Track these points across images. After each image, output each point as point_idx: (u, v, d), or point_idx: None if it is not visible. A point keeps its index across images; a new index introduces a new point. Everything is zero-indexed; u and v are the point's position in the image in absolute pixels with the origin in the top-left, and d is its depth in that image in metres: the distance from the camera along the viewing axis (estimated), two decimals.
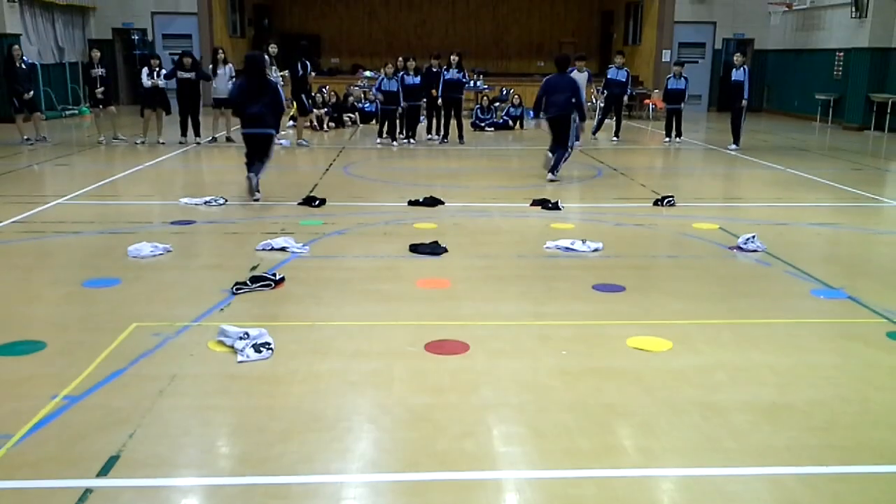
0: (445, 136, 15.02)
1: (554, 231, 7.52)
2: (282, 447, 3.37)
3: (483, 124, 17.92)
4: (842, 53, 19.14)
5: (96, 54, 14.16)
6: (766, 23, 22.52)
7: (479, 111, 18.16)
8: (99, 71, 13.99)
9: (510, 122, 18.24)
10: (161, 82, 13.81)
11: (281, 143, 14.26)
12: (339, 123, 17.59)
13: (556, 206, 8.66)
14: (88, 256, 6.57)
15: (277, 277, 5.70)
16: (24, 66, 13.62)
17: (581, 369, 4.25)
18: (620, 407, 3.80)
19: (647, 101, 21.07)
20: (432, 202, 8.79)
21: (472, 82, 18.86)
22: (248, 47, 24.13)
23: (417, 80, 14.49)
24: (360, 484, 3.13)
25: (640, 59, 23.51)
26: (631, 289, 5.73)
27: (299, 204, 8.68)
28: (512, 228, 7.83)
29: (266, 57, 13.97)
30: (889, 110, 17.17)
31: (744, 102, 14.07)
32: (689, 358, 4.43)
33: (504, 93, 20.13)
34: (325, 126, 16.88)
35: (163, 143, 13.85)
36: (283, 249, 6.62)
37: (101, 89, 13.93)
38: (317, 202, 8.68)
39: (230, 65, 14.54)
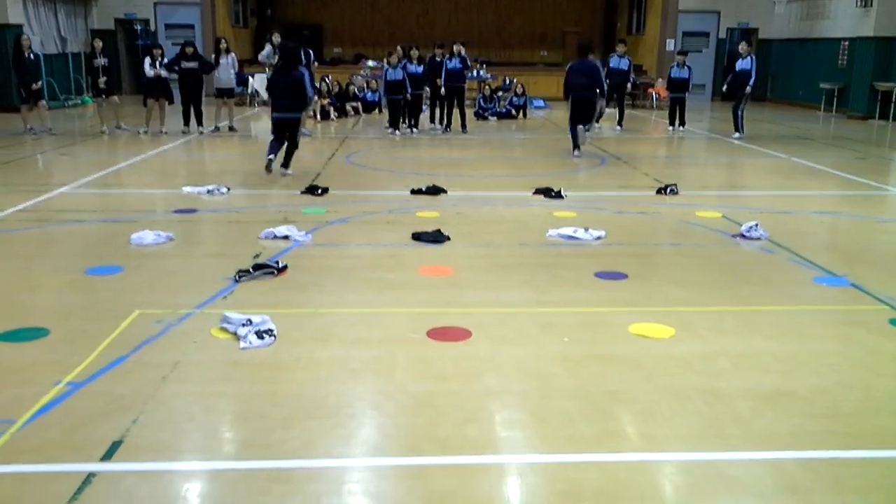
0: (448, 125, 15.00)
1: (557, 219, 7.52)
2: (284, 433, 3.38)
3: (486, 114, 17.89)
4: (846, 42, 19.06)
5: (99, 44, 14.16)
6: (771, 12, 22.44)
7: (481, 100, 18.12)
8: (101, 61, 13.99)
9: (513, 112, 18.21)
10: (163, 72, 13.79)
11: None
12: (342, 113, 17.58)
13: (558, 195, 8.65)
14: (91, 244, 6.58)
15: (280, 265, 5.70)
16: (32, 56, 13.59)
17: (583, 356, 4.25)
18: (623, 393, 3.80)
19: (650, 90, 21.02)
20: (435, 191, 8.79)
21: (475, 72, 18.81)
22: (250, 37, 24.14)
23: (420, 69, 14.46)
24: (363, 468, 3.14)
25: (643, 49, 23.44)
26: (633, 276, 5.73)
27: (302, 193, 8.68)
28: (515, 217, 7.82)
29: (270, 47, 14.02)
30: (894, 99, 17.11)
31: (747, 90, 14.01)
32: (691, 345, 4.43)
33: (507, 82, 20.08)
34: (331, 116, 16.87)
35: (165, 133, 13.85)
36: (285, 238, 6.62)
37: (103, 79, 13.93)
38: (320, 191, 8.68)
39: (232, 54, 14.53)
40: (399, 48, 15.14)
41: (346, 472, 3.11)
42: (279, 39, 14.21)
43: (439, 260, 6.11)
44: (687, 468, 3.18)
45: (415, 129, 14.82)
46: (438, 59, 14.63)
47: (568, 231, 6.89)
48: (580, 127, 11.84)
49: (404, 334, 4.52)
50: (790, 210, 8.18)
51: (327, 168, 10.61)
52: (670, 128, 15.49)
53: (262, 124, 16.09)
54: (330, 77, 18.00)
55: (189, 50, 13.83)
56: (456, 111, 14.88)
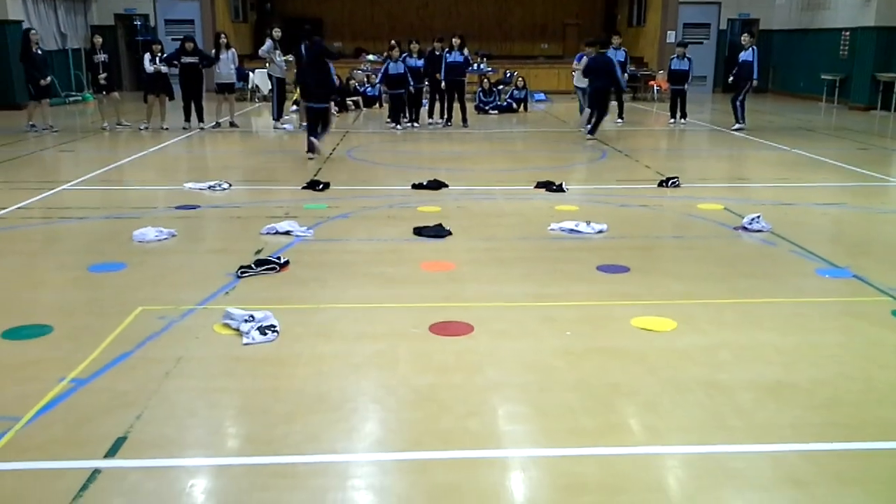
0: (449, 119, 14.98)
1: (558, 213, 7.52)
2: (287, 428, 3.40)
3: (487, 107, 17.86)
4: (848, 33, 19.00)
5: (98, 40, 14.15)
6: (772, 2, 22.37)
7: (481, 94, 18.09)
8: (101, 57, 13.97)
9: (514, 105, 18.18)
10: (163, 67, 13.78)
11: (285, 128, 14.27)
12: (343, 108, 17.55)
13: (560, 188, 8.65)
14: (94, 241, 6.59)
15: (282, 261, 5.71)
16: (40, 51, 13.55)
17: (585, 349, 4.26)
18: (624, 386, 3.81)
19: (651, 82, 20.97)
20: (436, 185, 8.79)
21: (475, 65, 18.77)
22: (250, 32, 24.12)
23: (421, 62, 14.43)
24: (366, 463, 3.16)
25: (644, 41, 23.39)
26: (635, 269, 5.73)
27: (303, 188, 8.68)
28: (516, 211, 7.82)
29: (271, 41, 14.01)
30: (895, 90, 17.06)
31: (753, 82, 13.97)
32: (693, 337, 4.44)
33: (507, 75, 20.04)
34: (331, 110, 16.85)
35: (166, 129, 13.85)
36: (287, 233, 6.63)
37: (103, 75, 13.91)
38: (321, 186, 8.68)
39: (233, 49, 14.51)
40: (393, 42, 15.07)
41: (350, 466, 3.13)
42: (279, 34, 14.22)
43: (441, 254, 6.11)
44: (689, 461, 3.19)
45: (416, 124, 14.79)
46: (437, 52, 14.60)
47: (569, 224, 6.89)
48: (584, 115, 13.34)
49: (406, 329, 4.53)
50: (792, 202, 8.17)
51: (328, 163, 10.61)
52: (671, 120, 15.46)
53: (262, 120, 16.10)
54: None
55: (189, 45, 13.81)
56: (456, 105, 14.85)
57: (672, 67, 15.16)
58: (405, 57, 14.37)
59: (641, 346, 4.31)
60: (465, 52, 14.79)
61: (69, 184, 9.00)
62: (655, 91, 20.63)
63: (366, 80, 18.64)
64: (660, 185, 8.97)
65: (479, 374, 3.95)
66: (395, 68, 14.09)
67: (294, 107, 17.02)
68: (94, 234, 6.89)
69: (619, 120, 15.67)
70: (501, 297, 5.11)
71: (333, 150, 11.85)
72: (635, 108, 19.18)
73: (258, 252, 6.07)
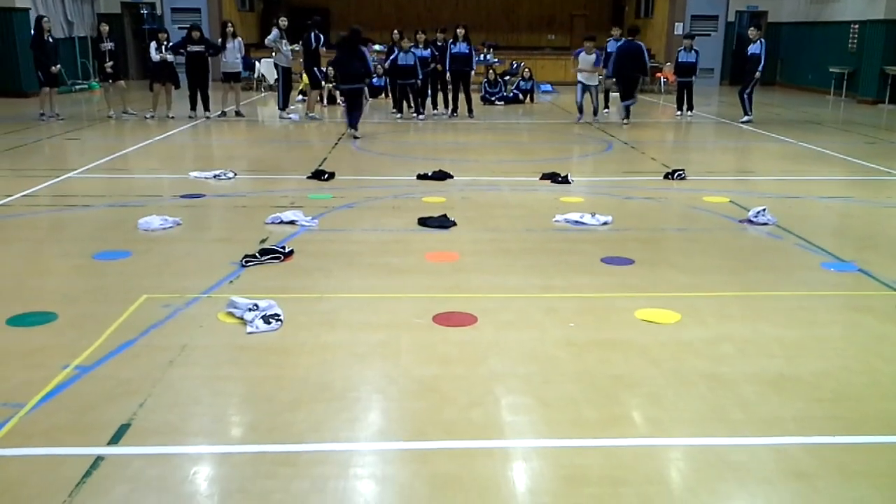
0: (454, 110, 14.94)
1: (563, 204, 7.50)
2: (291, 416, 3.40)
3: (493, 98, 17.81)
4: (857, 26, 18.88)
5: (105, 28, 14.13)
6: None
7: (487, 85, 18.03)
8: (108, 45, 13.96)
9: (520, 96, 18.13)
10: (169, 56, 13.77)
11: (290, 118, 14.26)
12: None
13: (565, 180, 8.63)
14: (99, 229, 6.60)
15: (286, 250, 5.71)
16: (51, 39, 13.52)
17: (588, 341, 4.26)
18: (627, 378, 3.81)
19: (658, 74, 20.88)
20: (441, 176, 8.77)
21: (481, 56, 18.71)
22: (256, 21, 24.09)
23: (427, 52, 14.37)
24: (369, 452, 3.16)
25: (652, 33, 23.28)
26: (640, 262, 5.72)
27: (308, 178, 8.68)
28: (521, 202, 7.81)
29: (277, 31, 13.99)
30: None
31: (757, 74, 13.91)
32: (697, 330, 4.43)
33: (514, 66, 19.98)
34: (337, 100, 16.83)
35: (172, 118, 13.85)
36: (292, 223, 6.63)
37: (110, 63, 13.90)
38: (326, 176, 8.68)
39: (239, 38, 14.49)
40: (396, 32, 15.01)
41: (352, 455, 3.13)
42: (286, 23, 14.18)
43: (445, 245, 6.11)
44: (692, 453, 3.19)
45: (421, 115, 14.74)
46: (440, 43, 14.54)
47: (574, 216, 6.88)
48: (624, 102, 14.00)
49: (410, 319, 4.53)
50: (798, 195, 8.14)
51: (333, 153, 10.60)
52: (678, 112, 15.41)
53: (268, 109, 16.09)
54: None
55: (196, 34, 13.80)
56: (462, 96, 14.81)
57: (679, 60, 15.10)
58: (411, 48, 14.31)
59: (645, 338, 4.31)
60: (472, 47, 14.71)
61: (75, 171, 9.01)
62: (662, 83, 20.55)
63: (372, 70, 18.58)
64: (665, 177, 8.94)
65: (483, 364, 3.95)
66: (405, 59, 14.01)
67: (300, 96, 17.01)
68: (99, 222, 6.90)
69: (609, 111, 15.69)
70: (505, 288, 5.11)
71: (339, 140, 11.84)
72: (642, 100, 19.08)
73: (263, 241, 6.07)
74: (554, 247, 6.17)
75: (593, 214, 6.88)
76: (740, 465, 3.06)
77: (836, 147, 11.42)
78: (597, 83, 14.08)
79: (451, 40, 14.38)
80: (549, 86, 20.66)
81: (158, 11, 21.86)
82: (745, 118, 14.21)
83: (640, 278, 5.37)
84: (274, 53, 14.64)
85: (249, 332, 4.28)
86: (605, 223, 6.78)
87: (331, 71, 16.50)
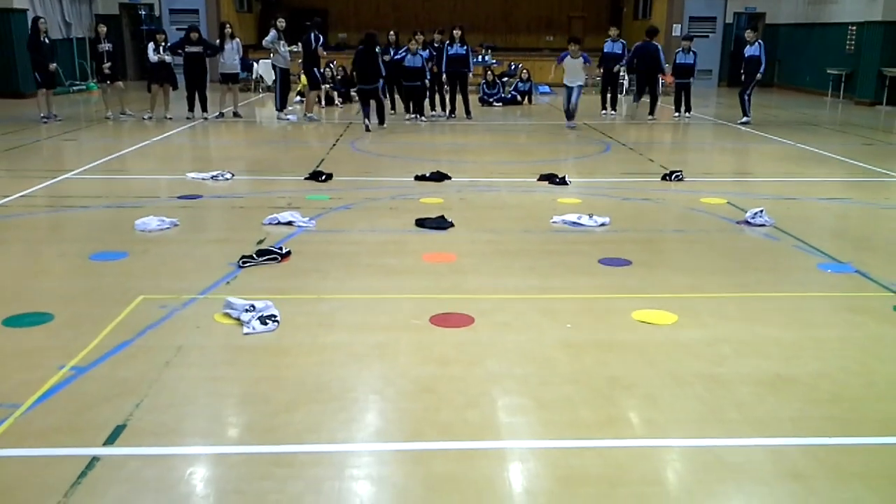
0: (452, 111, 14.93)
1: (561, 206, 7.50)
2: (287, 417, 3.40)
3: (491, 99, 17.81)
4: (854, 27, 18.90)
5: (103, 29, 14.11)
6: None
7: (485, 86, 18.03)
8: (106, 46, 13.94)
9: (518, 98, 18.13)
10: (167, 57, 13.77)
11: (288, 119, 14.26)
12: (347, 99, 17.53)
13: (563, 181, 8.63)
14: (96, 230, 6.59)
15: (284, 251, 5.71)
16: (48, 40, 13.49)
17: (585, 342, 4.25)
18: (624, 379, 3.80)
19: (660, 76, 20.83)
20: (439, 177, 8.77)
21: (479, 57, 18.70)
22: (255, 22, 24.09)
23: (425, 53, 14.35)
24: (366, 452, 3.16)
25: None
26: (637, 263, 5.72)
27: (306, 179, 8.67)
28: (518, 203, 7.81)
29: (276, 32, 13.99)
30: None
31: (758, 76, 13.92)
32: (694, 331, 4.43)
33: (512, 67, 19.99)
34: (335, 102, 16.84)
35: (170, 119, 13.84)
36: (289, 223, 6.63)
37: (107, 64, 13.88)
38: (323, 177, 8.67)
39: (237, 40, 14.48)
40: (393, 33, 15.00)
41: (349, 456, 3.13)
42: (284, 24, 14.18)
43: (443, 246, 6.10)
44: (688, 454, 3.19)
45: (423, 117, 14.69)
46: (437, 45, 14.53)
47: (572, 217, 6.88)
48: (634, 104, 15.50)
49: (407, 320, 4.53)
50: (796, 196, 8.14)
51: (331, 154, 10.60)
52: (676, 114, 15.42)
53: (266, 110, 16.08)
54: (334, 63, 17.93)
55: (194, 35, 13.80)
56: (459, 97, 14.80)
57: (677, 61, 15.10)
58: (406, 49, 14.31)
59: (642, 339, 4.31)
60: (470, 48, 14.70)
61: (72, 172, 9.00)
62: (661, 84, 20.51)
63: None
64: (663, 178, 8.95)
65: (480, 365, 3.95)
66: (413, 61, 13.97)
67: (298, 97, 17.00)
68: (96, 222, 6.89)
69: (613, 112, 15.69)
70: (503, 290, 5.11)
71: (337, 141, 11.84)
72: (640, 101, 19.10)
73: (260, 242, 6.07)
74: (551, 248, 6.17)
75: (591, 216, 6.88)
76: (737, 466, 3.06)
77: (834, 148, 11.43)
78: (582, 83, 13.54)
79: (447, 42, 14.36)
80: (547, 87, 20.66)
81: (156, 12, 21.85)
82: (744, 119, 14.23)
83: (638, 279, 5.37)
84: (272, 54, 14.64)
85: (246, 333, 4.28)
86: (602, 224, 6.78)
87: (328, 72, 16.54)
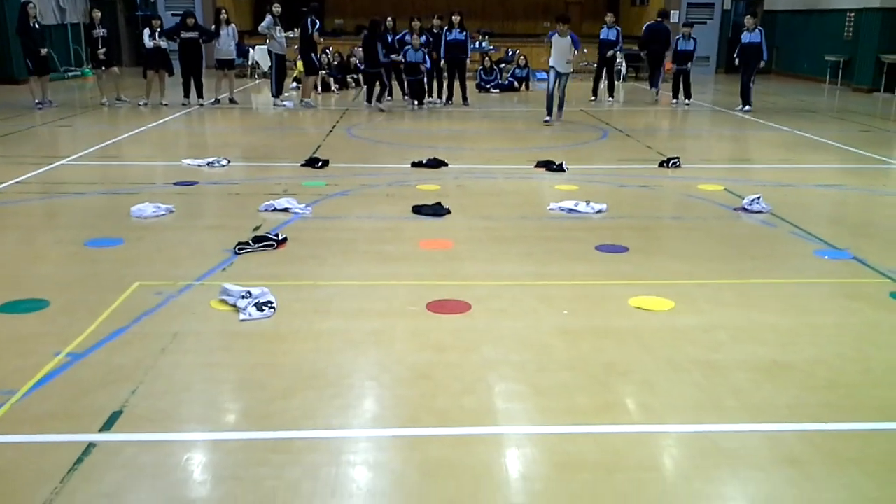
0: (449, 97, 14.88)
1: (558, 192, 7.49)
2: (284, 403, 3.40)
3: (488, 86, 17.75)
4: (853, 14, 18.84)
5: (97, 15, 14.02)
6: None
7: (482, 72, 17.97)
8: (100, 32, 13.86)
9: (515, 84, 18.08)
10: (163, 43, 13.68)
11: (284, 105, 14.20)
12: (343, 85, 17.46)
13: (560, 168, 8.61)
14: (91, 217, 6.57)
15: (280, 238, 5.69)
16: (38, 25, 13.38)
17: (582, 328, 4.25)
18: (620, 365, 3.80)
19: None
20: (436, 164, 8.75)
21: (477, 43, 18.63)
22: (250, 8, 23.92)
23: (423, 39, 14.27)
24: (362, 438, 3.16)
25: (648, 20, 23.14)
26: (634, 250, 5.71)
27: (302, 165, 8.65)
28: (516, 190, 7.79)
29: (271, 17, 13.90)
30: None
31: (761, 64, 13.85)
32: (690, 317, 4.43)
33: (509, 54, 19.91)
34: (331, 88, 16.76)
35: (165, 105, 13.78)
36: (285, 210, 6.61)
37: (102, 50, 13.80)
38: (320, 163, 8.64)
39: (233, 25, 14.40)
40: (390, 19, 14.90)
41: (345, 442, 3.13)
42: (279, 10, 14.08)
43: (439, 233, 6.09)
44: (684, 440, 3.19)
45: (422, 104, 14.64)
46: (436, 30, 14.45)
47: (569, 204, 6.87)
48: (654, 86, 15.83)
49: (403, 306, 4.52)
50: (793, 183, 8.14)
51: (328, 140, 10.56)
52: (674, 100, 15.38)
53: (262, 96, 16.01)
54: (331, 49, 17.85)
55: (190, 21, 13.71)
56: (457, 83, 14.74)
57: (678, 48, 15.02)
58: (405, 35, 14.23)
59: (638, 325, 4.31)
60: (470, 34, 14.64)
61: (67, 159, 8.96)
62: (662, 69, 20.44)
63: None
64: (660, 165, 8.93)
65: (476, 352, 3.95)
66: (415, 56, 13.90)
67: (294, 83, 16.93)
68: (91, 209, 6.87)
69: (610, 98, 15.66)
70: (499, 276, 5.10)
71: (333, 127, 11.80)
72: (638, 87, 19.09)
73: (256, 229, 6.05)
74: (548, 235, 6.16)
75: (588, 202, 6.86)
76: (733, 452, 3.07)
77: (831, 135, 11.42)
78: (570, 71, 12.45)
79: (446, 28, 14.28)
80: (544, 73, 20.55)
81: None
82: (746, 108, 14.12)
83: (635, 266, 5.37)
84: (268, 40, 14.55)
85: (242, 320, 4.27)
86: (599, 211, 6.77)
87: (324, 59, 16.47)
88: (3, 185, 7.55)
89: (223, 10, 14.52)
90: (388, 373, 3.71)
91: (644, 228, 6.40)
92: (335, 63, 17.52)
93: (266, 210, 6.62)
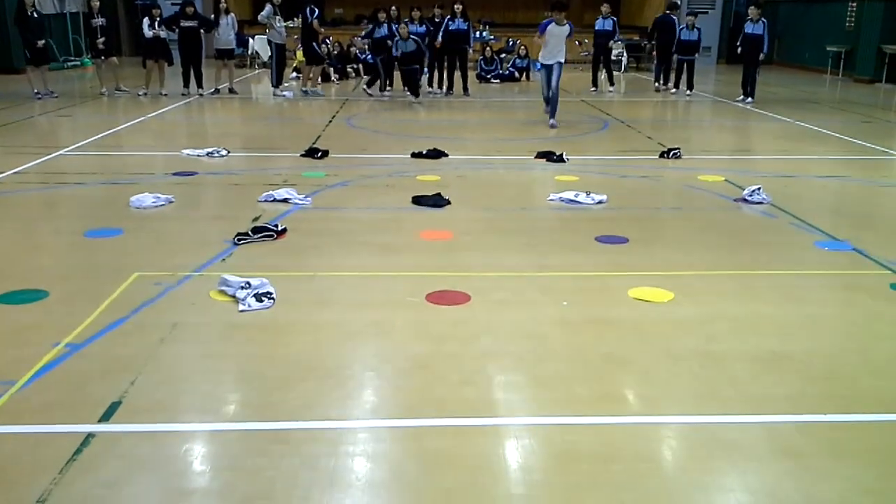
0: (450, 88, 14.84)
1: (558, 183, 7.47)
2: (283, 394, 3.39)
3: (488, 76, 17.70)
4: (854, 4, 18.77)
5: (96, 4, 13.97)
6: None
7: (482, 62, 17.92)
8: (99, 21, 13.82)
9: (516, 74, 18.02)
10: (162, 32, 13.64)
11: (284, 95, 14.16)
12: (343, 75, 17.42)
13: (560, 159, 8.59)
14: (91, 207, 6.56)
15: (279, 228, 5.68)
16: (36, 14, 13.33)
17: (581, 319, 4.25)
18: (620, 356, 3.80)
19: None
20: (436, 154, 8.73)
21: (477, 33, 18.56)
22: None
23: (422, 29, 14.22)
24: (361, 429, 3.16)
25: (649, 10, 23.06)
26: (634, 240, 5.70)
27: (302, 156, 8.63)
28: (516, 181, 7.78)
29: (271, 7, 13.85)
30: None
31: (762, 56, 13.79)
32: (690, 308, 4.43)
33: (510, 44, 19.85)
34: (331, 78, 16.71)
35: (165, 95, 13.74)
36: (285, 201, 6.60)
37: (101, 39, 13.76)
38: (319, 154, 8.63)
39: (232, 15, 14.35)
40: (395, 8, 14.81)
41: (344, 433, 3.13)
42: None
43: (439, 224, 6.08)
44: (682, 431, 3.19)
45: (416, 98, 14.58)
46: (437, 19, 14.39)
47: (569, 195, 6.85)
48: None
49: (403, 297, 4.52)
50: (794, 174, 8.12)
51: (328, 130, 10.54)
52: (673, 90, 15.39)
53: (262, 86, 15.97)
54: (330, 39, 17.79)
55: (189, 10, 13.67)
56: (458, 73, 14.69)
57: (682, 38, 14.95)
58: (405, 23, 14.15)
59: (638, 316, 4.30)
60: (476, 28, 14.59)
61: (67, 149, 8.95)
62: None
63: (367, 47, 18.43)
64: (661, 156, 8.91)
65: (475, 342, 3.95)
66: (405, 46, 13.78)
67: (294, 73, 16.88)
68: (90, 199, 6.86)
69: (611, 89, 15.61)
70: (499, 267, 5.09)
71: (333, 117, 11.77)
72: (639, 78, 19.05)
73: (256, 219, 6.04)
74: (548, 225, 6.15)
75: (588, 193, 6.85)
76: (732, 443, 3.07)
77: (833, 126, 11.39)
78: (563, 60, 10.86)
79: (448, 17, 14.21)
80: None
81: None
82: (749, 100, 14.06)
83: (635, 257, 5.36)
84: (267, 30, 14.51)
85: (241, 311, 4.26)
86: (599, 202, 6.75)
87: (323, 48, 16.40)
88: (3, 175, 7.54)
89: (223, 0, 14.46)
90: (388, 364, 3.71)
91: (644, 219, 6.39)
92: (335, 53, 17.46)
93: (266, 200, 6.61)
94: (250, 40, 19.59)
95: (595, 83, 15.91)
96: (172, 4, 17.95)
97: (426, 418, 3.23)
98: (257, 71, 19.12)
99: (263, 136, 10.43)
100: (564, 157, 8.63)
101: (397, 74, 14.52)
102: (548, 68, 10.88)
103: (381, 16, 13.95)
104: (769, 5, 21.81)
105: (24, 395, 3.34)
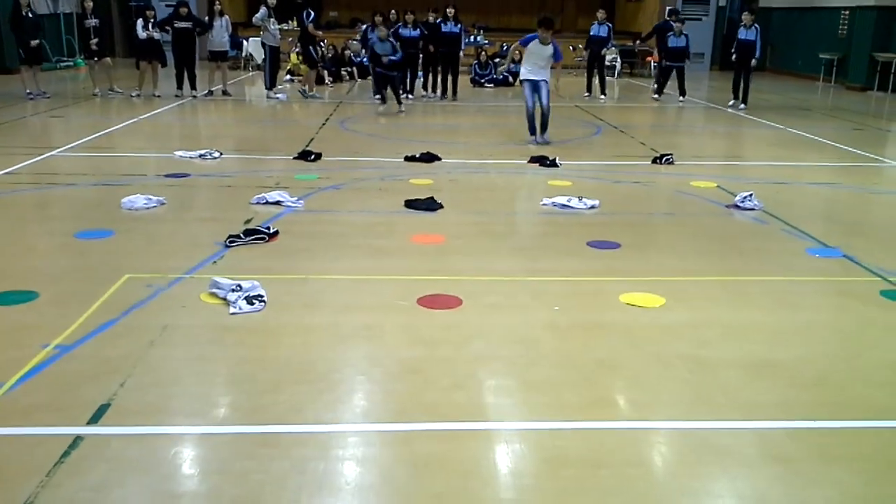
0: (444, 92, 14.84)
1: (551, 188, 7.48)
2: (273, 397, 3.38)
3: (482, 80, 17.72)
4: (847, 12, 18.87)
5: (89, 4, 13.92)
6: None
7: (476, 67, 17.94)
8: (92, 21, 13.77)
9: (510, 79, 18.03)
10: (156, 33, 13.61)
11: (277, 98, 14.14)
12: (337, 78, 17.42)
13: (553, 164, 8.60)
14: (82, 208, 6.53)
15: (271, 231, 5.67)
16: (31, 14, 13.28)
17: (572, 324, 4.25)
18: (610, 361, 3.80)
19: (649, 58, 20.82)
20: (429, 158, 8.73)
21: (471, 37, 18.59)
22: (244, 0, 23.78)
23: (416, 33, 14.21)
24: (351, 433, 3.15)
25: (643, 16, 23.18)
26: (626, 246, 5.71)
27: (295, 158, 8.62)
28: (508, 185, 7.78)
29: (265, 9, 13.84)
30: (893, 70, 16.98)
31: (753, 62, 13.84)
32: (681, 314, 4.43)
33: (504, 48, 19.86)
34: (325, 80, 16.70)
35: (158, 96, 13.71)
36: (277, 203, 6.58)
37: (95, 40, 13.71)
38: (312, 156, 8.62)
39: (226, 17, 14.33)
40: (393, 12, 14.81)
41: (334, 437, 3.12)
42: (274, 2, 14.01)
43: (431, 227, 6.08)
44: (673, 436, 3.19)
45: (410, 96, 14.61)
46: (432, 22, 14.39)
47: (562, 200, 6.86)
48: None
49: (394, 301, 4.51)
50: (786, 181, 8.15)
51: (320, 133, 10.53)
52: (659, 96, 15.46)
53: (256, 89, 15.95)
54: (325, 42, 17.77)
55: (183, 11, 13.64)
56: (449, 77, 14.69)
57: (669, 44, 14.97)
58: (398, 27, 14.15)
59: (629, 321, 4.31)
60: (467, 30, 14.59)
61: (58, 150, 8.91)
62: (653, 67, 20.46)
63: (361, 50, 18.44)
64: (654, 161, 8.93)
65: (466, 347, 3.94)
66: (383, 48, 13.49)
67: (288, 76, 16.87)
68: (82, 200, 6.83)
69: (602, 96, 15.66)
70: (491, 271, 5.09)
71: (326, 120, 11.76)
72: (632, 84, 19.10)
73: (247, 222, 6.02)
74: (540, 230, 6.16)
75: (580, 198, 6.86)
76: (722, 449, 3.07)
77: (825, 133, 11.44)
78: (548, 78, 10.06)
79: (440, 20, 14.22)
80: None
81: None
82: (742, 106, 14.12)
83: (626, 262, 5.37)
84: (261, 32, 14.49)
85: (232, 313, 4.25)
86: (592, 207, 6.76)
87: (318, 51, 16.38)
88: None
89: (217, 1, 14.43)
90: (378, 367, 3.70)
91: (636, 225, 6.40)
92: (329, 56, 17.46)
93: (258, 203, 6.60)
94: (244, 42, 19.57)
95: (589, 88, 15.93)
96: (167, 6, 17.91)
97: (417, 422, 3.22)
98: (251, 73, 19.10)
99: (256, 139, 10.41)
100: (557, 161, 8.65)
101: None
102: (533, 84, 10.03)
103: (378, 19, 13.89)
104: (762, 12, 21.93)
105: (12, 397, 3.32)
